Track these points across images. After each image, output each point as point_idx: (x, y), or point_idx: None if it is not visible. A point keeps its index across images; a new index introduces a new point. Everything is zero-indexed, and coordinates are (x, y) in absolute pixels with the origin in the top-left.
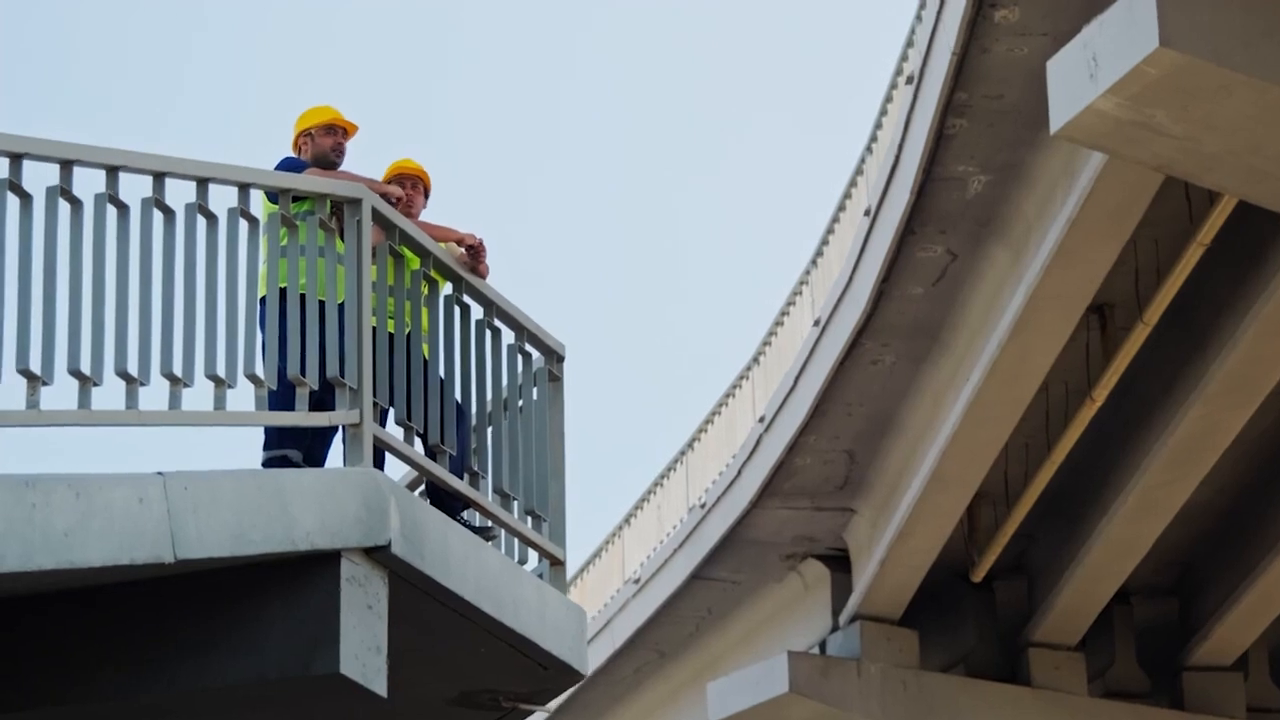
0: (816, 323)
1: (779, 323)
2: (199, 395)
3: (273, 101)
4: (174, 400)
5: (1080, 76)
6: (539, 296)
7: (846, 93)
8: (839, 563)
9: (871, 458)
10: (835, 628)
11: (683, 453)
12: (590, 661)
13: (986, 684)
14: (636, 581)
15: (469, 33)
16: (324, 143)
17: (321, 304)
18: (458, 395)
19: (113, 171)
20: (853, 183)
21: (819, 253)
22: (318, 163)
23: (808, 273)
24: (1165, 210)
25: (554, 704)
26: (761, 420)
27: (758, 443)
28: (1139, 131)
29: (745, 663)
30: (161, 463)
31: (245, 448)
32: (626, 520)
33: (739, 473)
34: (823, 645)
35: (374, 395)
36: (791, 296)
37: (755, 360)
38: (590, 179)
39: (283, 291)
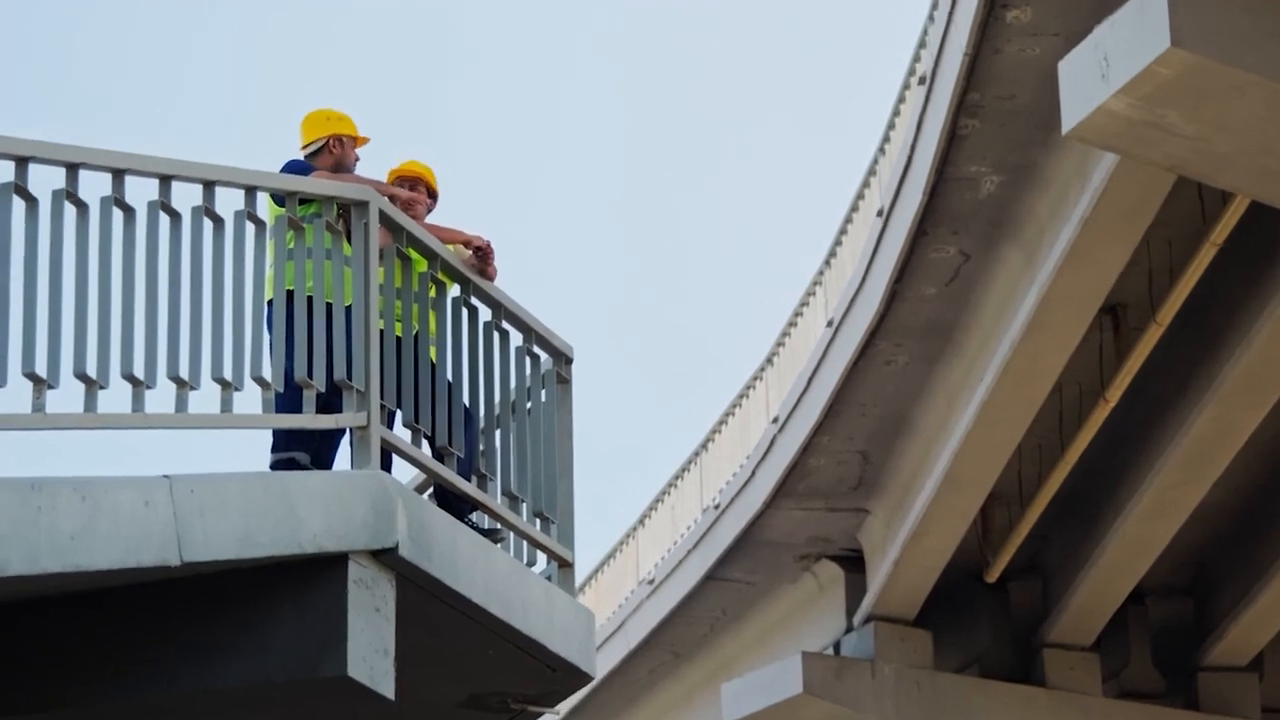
0: (830, 323)
1: (792, 323)
2: (205, 398)
3: (273, 102)
4: (180, 403)
5: (1092, 77)
6: (544, 298)
7: (854, 93)
8: (853, 563)
9: (885, 458)
10: (849, 628)
11: (696, 454)
12: (605, 662)
13: (1000, 684)
14: (651, 582)
15: (469, 33)
16: (351, 154)
17: (329, 306)
18: (465, 398)
19: (118, 175)
20: (865, 183)
21: (832, 253)
22: (339, 169)
23: (821, 273)
24: (1178, 210)
25: (563, 706)
26: (775, 421)
27: (771, 443)
28: (1151, 132)
29: (759, 664)
30: (167, 466)
31: (252, 451)
32: (640, 521)
33: (753, 473)
34: (837, 646)
35: (381, 398)
36: (805, 297)
37: (769, 361)
38: (596, 179)
39: (290, 294)
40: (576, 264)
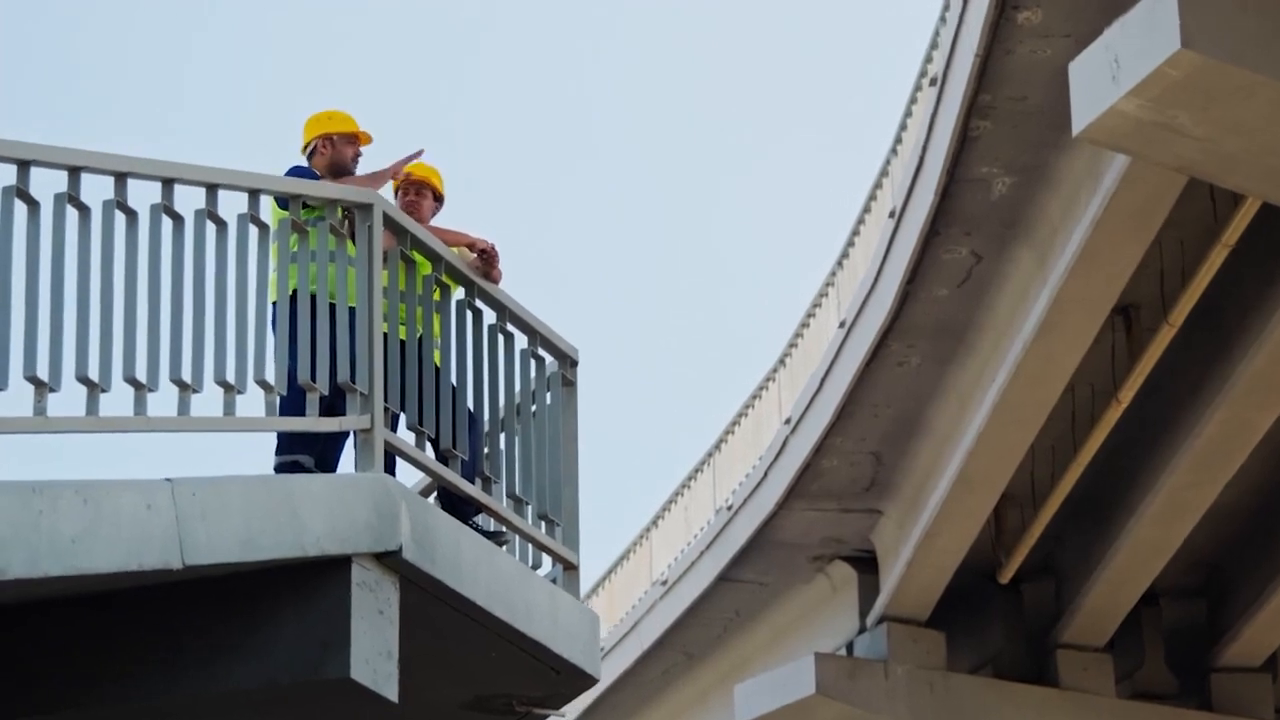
0: (842, 324)
1: (805, 324)
2: (208, 401)
3: (277, 103)
4: (183, 406)
5: (1102, 78)
6: (555, 298)
7: (867, 97)
8: (866, 564)
9: (898, 459)
10: (862, 629)
11: (709, 455)
12: (618, 664)
13: (1014, 685)
14: (664, 583)
15: (474, 32)
16: (346, 151)
17: (332, 309)
18: (470, 400)
19: (120, 178)
20: (878, 184)
21: (844, 254)
22: (335, 169)
23: (833, 274)
24: (1190, 211)
25: (572, 708)
26: (788, 422)
27: (784, 444)
28: (1161, 133)
29: (772, 664)
30: (170, 469)
31: (255, 454)
32: (653, 522)
33: (765, 474)
34: (850, 647)
35: (385, 400)
36: (817, 298)
37: (781, 362)
38: (605, 180)
39: (293, 296)
40: (589, 265)
